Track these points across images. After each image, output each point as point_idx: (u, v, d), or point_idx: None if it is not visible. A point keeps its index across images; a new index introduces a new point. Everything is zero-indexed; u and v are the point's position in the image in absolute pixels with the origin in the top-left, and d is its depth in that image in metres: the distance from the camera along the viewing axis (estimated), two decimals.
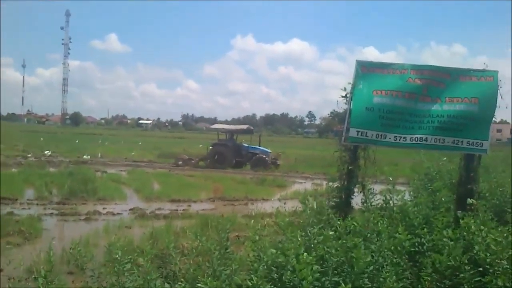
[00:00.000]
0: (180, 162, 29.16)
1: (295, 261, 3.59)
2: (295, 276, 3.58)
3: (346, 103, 6.09)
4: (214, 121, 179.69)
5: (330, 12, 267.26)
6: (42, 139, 47.88)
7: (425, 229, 5.22)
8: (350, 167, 5.96)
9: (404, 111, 5.90)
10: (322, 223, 4.98)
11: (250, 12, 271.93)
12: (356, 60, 6.10)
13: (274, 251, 3.84)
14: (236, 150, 29.40)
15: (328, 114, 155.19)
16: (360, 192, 6.11)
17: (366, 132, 5.87)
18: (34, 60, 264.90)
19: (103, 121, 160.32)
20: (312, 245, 4.19)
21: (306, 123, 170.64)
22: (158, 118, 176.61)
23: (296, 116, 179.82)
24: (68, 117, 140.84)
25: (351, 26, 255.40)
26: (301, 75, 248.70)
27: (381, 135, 5.90)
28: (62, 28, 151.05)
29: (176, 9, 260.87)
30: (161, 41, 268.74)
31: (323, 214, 5.96)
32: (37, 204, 14.36)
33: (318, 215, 5.76)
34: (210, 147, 29.81)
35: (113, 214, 13.41)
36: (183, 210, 14.44)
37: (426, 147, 5.96)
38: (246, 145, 30.22)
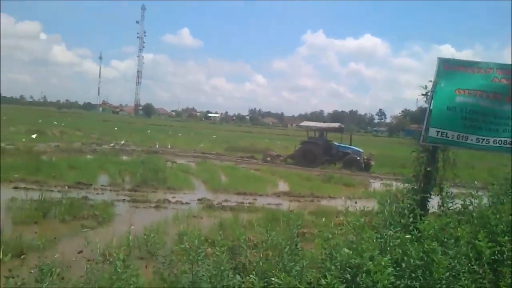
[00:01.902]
0: (269, 158, 29.07)
1: (371, 263, 3.46)
2: (370, 278, 3.45)
3: (426, 102, 5.81)
4: (281, 116, 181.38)
5: (404, 9, 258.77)
6: (116, 128, 49.90)
7: (506, 237, 4.91)
8: (428, 169, 5.70)
9: (488, 112, 5.55)
10: (398, 225, 4.78)
11: (321, 8, 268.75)
12: (438, 58, 5.80)
13: (348, 251, 3.72)
14: (327, 148, 28.75)
15: (400, 113, 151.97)
16: (437, 195, 5.83)
17: (447, 133, 5.58)
18: (111, 52, 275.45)
19: (173, 113, 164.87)
20: (388, 248, 4.03)
21: (376, 121, 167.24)
22: (226, 112, 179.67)
23: (366, 114, 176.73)
24: (141, 108, 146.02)
25: (426, 23, 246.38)
26: (372, 72, 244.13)
27: (463, 136, 5.58)
28: (137, 22, 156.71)
29: (247, 4, 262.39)
30: (231, 36, 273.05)
31: (398, 216, 5.78)
32: (110, 190, 14.94)
33: (394, 216, 5.59)
34: (300, 145, 29.36)
35: (182, 203, 13.70)
36: (249, 203, 14.50)
37: (511, 150, 5.59)
38: (337, 143, 29.47)
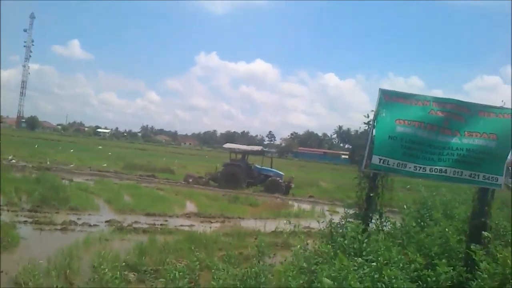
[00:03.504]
0: (191, 180, 28.31)
1: None
2: None
3: (367, 130, 6.13)
4: (175, 134, 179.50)
5: (294, 36, 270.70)
6: None
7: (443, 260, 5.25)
8: (370, 194, 5.98)
9: (425, 142, 5.99)
10: (352, 251, 4.94)
11: (215, 29, 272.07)
12: (380, 89, 6.17)
13: (330, 281, 3.71)
14: (249, 171, 28.84)
15: (288, 135, 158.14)
16: (377, 219, 6.13)
17: (388, 160, 5.92)
18: None
19: (59, 127, 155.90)
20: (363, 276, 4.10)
21: (265, 142, 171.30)
22: (117, 128, 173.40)
23: (257, 135, 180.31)
24: (23, 120, 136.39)
25: (313, 51, 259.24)
26: (263, 96, 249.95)
27: (402, 164, 5.95)
28: (25, 31, 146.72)
29: (141, 21, 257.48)
30: (123, 51, 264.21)
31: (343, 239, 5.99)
32: (8, 211, 13.72)
33: (342, 241, 5.78)
34: (222, 167, 29.00)
35: (89, 225, 12.99)
36: (161, 225, 14.11)
37: (445, 179, 6.04)
38: (259, 166, 29.59)
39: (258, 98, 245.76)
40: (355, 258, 4.45)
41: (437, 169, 5.97)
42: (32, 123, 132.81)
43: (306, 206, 22.61)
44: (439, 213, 8.04)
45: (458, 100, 6.19)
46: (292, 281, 4.21)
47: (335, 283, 3.71)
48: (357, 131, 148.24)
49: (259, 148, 33.31)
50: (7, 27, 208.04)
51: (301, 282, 4.01)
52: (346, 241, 4.84)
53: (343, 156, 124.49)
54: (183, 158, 56.69)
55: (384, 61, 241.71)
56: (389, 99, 6.15)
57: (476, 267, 4.81)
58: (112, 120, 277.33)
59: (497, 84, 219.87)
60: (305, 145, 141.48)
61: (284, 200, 25.31)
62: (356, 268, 4.13)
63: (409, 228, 6.37)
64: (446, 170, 5.96)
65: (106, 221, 13.68)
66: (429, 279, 4.55)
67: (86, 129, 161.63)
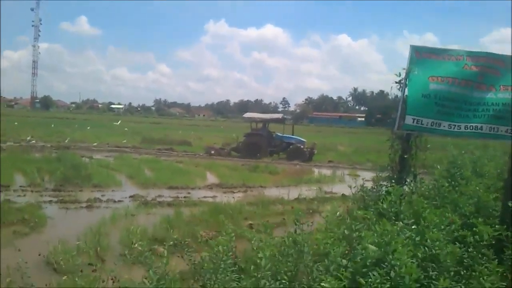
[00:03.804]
0: (213, 152, 28.08)
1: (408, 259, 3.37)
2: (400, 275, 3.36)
3: (399, 90, 5.90)
4: (188, 106, 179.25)
5: None
6: (16, 123, 46.41)
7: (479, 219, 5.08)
8: (405, 156, 5.80)
9: (460, 98, 5.75)
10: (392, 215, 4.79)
11: None
12: (410, 45, 5.93)
13: (373, 247, 3.57)
14: (270, 139, 28.57)
15: (303, 101, 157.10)
16: (411, 181, 5.96)
17: (422, 120, 5.70)
18: (3, 41, 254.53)
19: (73, 105, 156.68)
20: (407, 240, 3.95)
21: (280, 109, 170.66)
22: (130, 103, 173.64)
23: (270, 103, 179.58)
24: (37, 100, 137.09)
25: (324, 13, 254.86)
26: (275, 61, 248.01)
27: (436, 123, 5.73)
28: (32, 10, 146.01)
29: None
30: (132, 24, 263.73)
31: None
32: (32, 191, 13.83)
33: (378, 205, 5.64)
34: (244, 137, 28.71)
35: (114, 202, 13.04)
36: (185, 197, 14.12)
37: (481, 135, 5.83)
38: (280, 134, 29.19)
39: (271, 64, 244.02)
40: (396, 222, 4.30)
41: (472, 126, 5.74)
42: (46, 103, 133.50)
43: (327, 171, 22.50)
44: (469, 171, 7.87)
45: (493, 53, 5.92)
46: (330, 248, 4.09)
47: (380, 249, 3.57)
48: (372, 92, 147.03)
49: (279, 116, 32.88)
50: (14, 8, 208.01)
51: (342, 249, 3.86)
52: (385, 205, 4.67)
53: (359, 119, 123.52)
54: (199, 130, 56.78)
55: (397, 19, 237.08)
56: (420, 56, 5.90)
57: None
58: (125, 95, 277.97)
59: None
60: (320, 109, 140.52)
61: (304, 166, 25.19)
62: (398, 232, 3.99)
63: (442, 188, 6.21)
64: (481, 127, 5.73)
65: (130, 196, 13.71)
66: (469, 239, 4.39)
67: (100, 105, 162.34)
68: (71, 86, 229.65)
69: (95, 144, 30.90)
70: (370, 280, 3.23)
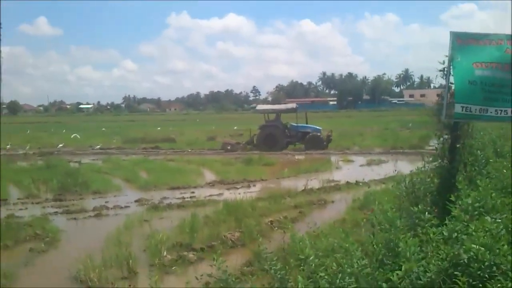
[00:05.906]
0: (229, 147, 27.28)
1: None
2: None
3: (443, 78, 5.80)
4: (158, 101, 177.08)
5: None
6: None
7: None
8: (457, 145, 5.72)
9: (504, 83, 5.68)
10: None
11: None
12: (451, 32, 5.80)
13: (479, 247, 3.43)
14: (286, 130, 27.99)
15: (274, 88, 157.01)
16: (463, 170, 5.88)
17: (470, 107, 5.62)
18: None
19: (41, 108, 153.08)
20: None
21: (251, 98, 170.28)
22: (98, 102, 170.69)
23: (241, 92, 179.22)
24: (4, 106, 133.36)
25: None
26: (241, 51, 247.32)
27: (484, 109, 5.65)
28: None
29: None
30: (91, 21, 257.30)
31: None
32: (32, 203, 13.34)
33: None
34: (258, 130, 28.04)
35: (121, 207, 12.68)
36: (191, 197, 13.84)
37: None
38: (295, 124, 28.43)
39: (237, 53, 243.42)
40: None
41: None
42: (14, 108, 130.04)
43: (320, 159, 22.53)
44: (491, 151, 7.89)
45: None
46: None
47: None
48: (341, 75, 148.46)
49: (293, 105, 32.08)
50: None
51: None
52: (469, 201, 4.54)
53: (331, 103, 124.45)
54: (176, 125, 56.02)
55: (358, 1, 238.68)
56: (461, 42, 5.79)
57: None
58: (92, 94, 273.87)
59: (473, 10, 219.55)
60: (291, 96, 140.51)
61: (291, 155, 25.24)
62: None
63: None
64: None
65: (136, 201, 13.36)
66: None
67: (68, 106, 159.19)
68: (36, 88, 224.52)
69: (97, 147, 30.19)
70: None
